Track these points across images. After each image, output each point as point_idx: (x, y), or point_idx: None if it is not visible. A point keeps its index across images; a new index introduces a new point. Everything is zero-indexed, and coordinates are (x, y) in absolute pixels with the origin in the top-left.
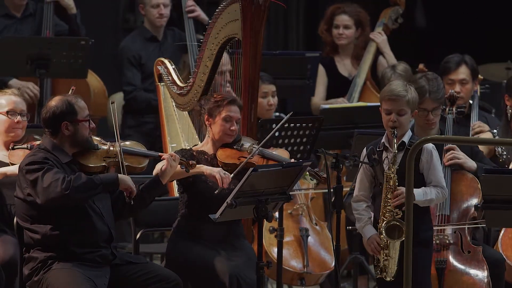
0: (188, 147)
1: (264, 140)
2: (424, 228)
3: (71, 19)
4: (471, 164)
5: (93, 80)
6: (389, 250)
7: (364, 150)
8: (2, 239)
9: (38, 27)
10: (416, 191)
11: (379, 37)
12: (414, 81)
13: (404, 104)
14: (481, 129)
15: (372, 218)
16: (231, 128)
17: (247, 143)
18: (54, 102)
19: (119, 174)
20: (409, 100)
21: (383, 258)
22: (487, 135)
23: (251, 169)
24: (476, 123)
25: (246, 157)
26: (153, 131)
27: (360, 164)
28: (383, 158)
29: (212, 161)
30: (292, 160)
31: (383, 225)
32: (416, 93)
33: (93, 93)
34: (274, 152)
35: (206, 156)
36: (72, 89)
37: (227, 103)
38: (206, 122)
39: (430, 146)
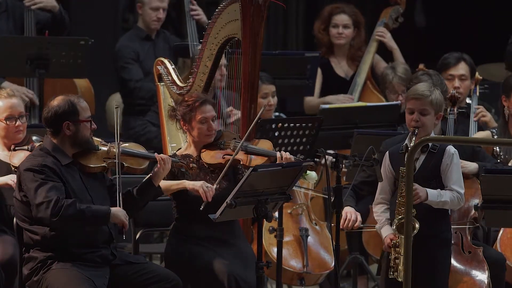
0: (172, 152)
1: (245, 137)
2: (444, 230)
3: (56, 15)
4: (472, 167)
5: (80, 79)
6: (400, 247)
7: (387, 153)
8: (1, 239)
9: (14, 25)
10: (431, 192)
11: (385, 35)
12: (416, 77)
13: (427, 104)
14: (483, 119)
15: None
16: (209, 129)
17: (229, 140)
18: (57, 101)
19: (112, 208)
20: (433, 100)
21: (394, 256)
22: (486, 134)
23: (250, 169)
24: (480, 108)
25: (230, 155)
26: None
27: (360, 164)
28: (405, 160)
29: (198, 163)
30: (276, 151)
31: (395, 221)
32: (442, 96)
33: (80, 93)
34: (256, 147)
35: (191, 159)
36: None
37: (199, 105)
38: (184, 128)
39: (452, 149)
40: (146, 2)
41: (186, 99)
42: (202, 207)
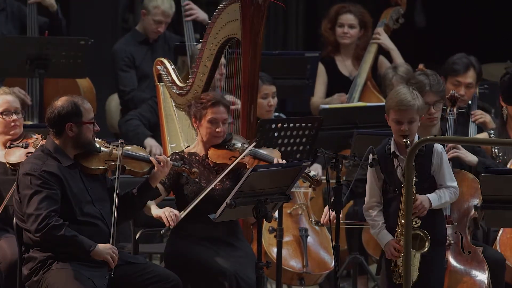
0: (179, 150)
1: (253, 142)
2: (438, 230)
3: (53, 15)
4: (472, 158)
5: (83, 79)
6: (403, 252)
7: (370, 154)
8: (6, 239)
9: (22, 27)
10: (432, 197)
11: (380, 36)
12: (413, 77)
13: (414, 113)
14: (484, 119)
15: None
16: (217, 130)
17: (238, 143)
18: (60, 102)
19: (99, 245)
20: (419, 107)
21: (402, 264)
22: (484, 136)
23: (250, 169)
24: (477, 112)
25: (236, 157)
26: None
27: (360, 164)
28: (395, 166)
29: (204, 162)
30: (283, 161)
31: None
32: (422, 98)
33: (83, 93)
34: (265, 153)
35: (197, 157)
36: None
37: (211, 105)
38: (194, 125)
39: (440, 147)
40: (152, 13)
41: (202, 96)
42: (162, 231)
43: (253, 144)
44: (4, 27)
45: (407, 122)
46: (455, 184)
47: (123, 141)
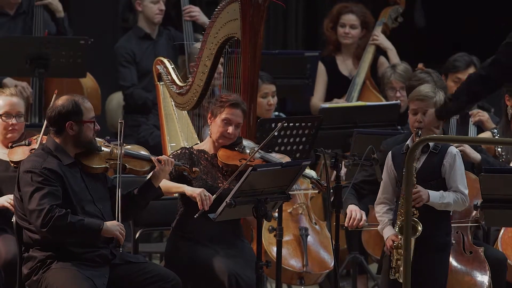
0: (189, 146)
1: (263, 142)
2: (442, 233)
3: (58, 22)
4: (476, 156)
5: (87, 79)
6: (403, 249)
7: (389, 153)
8: (2, 238)
9: (30, 26)
10: (433, 193)
11: (378, 38)
12: (414, 75)
13: (431, 105)
14: (480, 118)
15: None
16: (229, 131)
17: (248, 146)
18: (61, 101)
19: (107, 223)
20: (437, 101)
21: (396, 257)
22: (487, 135)
23: (250, 168)
24: (475, 111)
25: (246, 159)
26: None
27: (360, 164)
28: (405, 160)
29: (212, 160)
30: None
31: (397, 222)
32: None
33: (86, 93)
34: (276, 156)
35: (206, 156)
36: (55, 94)
37: (229, 105)
38: (208, 120)
39: (454, 150)
40: None
41: (223, 95)
42: (197, 215)
43: (276, 129)
44: (21, 28)
45: (421, 113)
46: (464, 191)
47: (123, 121)
